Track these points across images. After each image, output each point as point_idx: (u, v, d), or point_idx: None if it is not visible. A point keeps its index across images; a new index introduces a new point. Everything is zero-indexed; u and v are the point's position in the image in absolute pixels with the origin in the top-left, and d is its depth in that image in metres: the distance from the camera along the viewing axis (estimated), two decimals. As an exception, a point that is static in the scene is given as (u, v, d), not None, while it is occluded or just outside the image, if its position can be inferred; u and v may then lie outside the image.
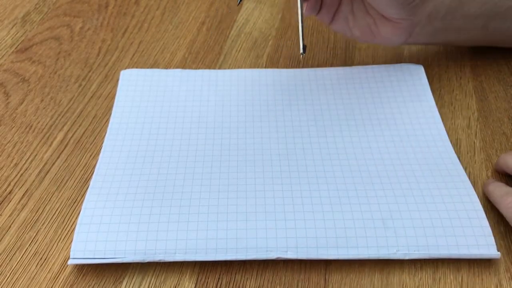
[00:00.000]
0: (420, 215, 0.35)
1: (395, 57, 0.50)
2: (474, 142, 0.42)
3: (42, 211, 0.37)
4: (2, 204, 0.38)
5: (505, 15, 0.45)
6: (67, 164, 0.41)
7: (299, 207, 0.36)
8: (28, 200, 0.38)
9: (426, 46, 0.51)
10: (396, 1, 0.40)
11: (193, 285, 0.33)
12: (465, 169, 0.40)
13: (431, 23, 0.44)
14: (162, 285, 0.33)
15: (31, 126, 0.44)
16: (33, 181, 0.39)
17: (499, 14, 0.45)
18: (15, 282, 0.33)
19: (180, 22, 0.56)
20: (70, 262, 0.33)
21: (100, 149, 0.41)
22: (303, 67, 0.49)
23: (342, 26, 0.45)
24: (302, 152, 0.40)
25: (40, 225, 0.36)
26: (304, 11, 0.41)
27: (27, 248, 0.35)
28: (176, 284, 0.33)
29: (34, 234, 0.36)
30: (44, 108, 0.45)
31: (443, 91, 0.47)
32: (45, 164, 0.41)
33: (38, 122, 0.44)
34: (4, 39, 0.53)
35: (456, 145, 0.42)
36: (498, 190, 0.36)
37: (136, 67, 0.50)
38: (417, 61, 0.49)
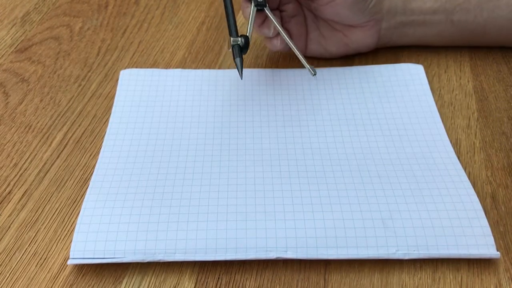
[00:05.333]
0: (420, 215, 0.35)
1: (395, 57, 0.50)
2: (474, 142, 0.42)
3: (42, 211, 0.37)
4: (1, 204, 0.38)
5: (465, 7, 0.46)
6: (66, 164, 0.41)
7: (298, 207, 0.36)
8: (28, 200, 0.38)
9: (425, 46, 0.51)
10: (355, 9, 0.44)
11: (193, 285, 0.33)
12: (465, 169, 0.39)
13: (393, 18, 0.47)
14: (162, 285, 0.33)
15: (31, 126, 0.44)
16: (33, 181, 0.39)
17: (458, 6, 0.46)
18: (14, 282, 0.33)
19: (180, 22, 0.56)
20: (69, 262, 0.33)
21: (100, 149, 0.41)
22: (303, 67, 0.49)
23: (316, 48, 0.49)
24: (302, 152, 0.40)
25: (40, 225, 0.36)
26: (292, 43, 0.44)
27: (26, 248, 0.35)
28: (176, 284, 0.33)
29: (34, 234, 0.36)
30: (43, 108, 0.45)
31: (443, 91, 0.47)
32: (45, 164, 0.41)
33: (38, 122, 0.44)
34: (3, 39, 0.53)
35: (456, 145, 0.42)
36: None
37: (136, 67, 0.50)
38: (417, 61, 0.49)
